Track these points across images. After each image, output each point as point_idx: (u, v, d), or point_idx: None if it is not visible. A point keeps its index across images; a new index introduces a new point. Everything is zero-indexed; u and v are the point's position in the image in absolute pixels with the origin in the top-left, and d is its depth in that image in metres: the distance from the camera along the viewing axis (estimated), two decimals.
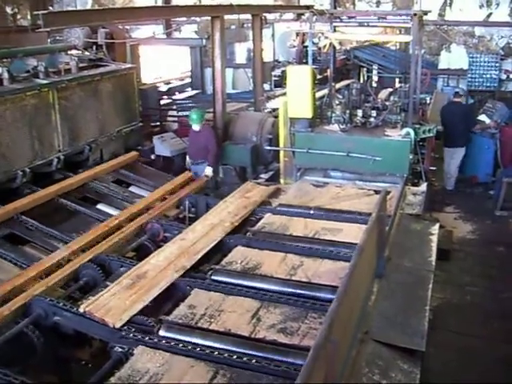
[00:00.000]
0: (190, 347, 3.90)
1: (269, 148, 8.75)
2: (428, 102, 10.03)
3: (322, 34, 11.89)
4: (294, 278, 4.81)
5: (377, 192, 6.55)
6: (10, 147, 6.49)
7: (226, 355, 3.79)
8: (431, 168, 9.00)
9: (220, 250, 5.56)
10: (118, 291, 4.73)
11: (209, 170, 8.25)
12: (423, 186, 7.20)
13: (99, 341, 4.49)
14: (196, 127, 8.36)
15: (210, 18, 9.07)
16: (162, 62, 16.04)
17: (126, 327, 4.19)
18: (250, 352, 3.82)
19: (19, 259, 5.47)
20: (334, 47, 9.49)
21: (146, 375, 3.66)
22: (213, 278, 4.86)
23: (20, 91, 6.67)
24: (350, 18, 9.27)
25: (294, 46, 16.62)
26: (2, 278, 5.16)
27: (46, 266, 5.29)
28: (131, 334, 4.09)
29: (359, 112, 8.29)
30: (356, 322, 4.05)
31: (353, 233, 5.54)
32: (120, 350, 3.99)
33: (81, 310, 4.47)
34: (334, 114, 8.22)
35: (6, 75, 6.75)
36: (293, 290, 4.58)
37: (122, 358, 3.92)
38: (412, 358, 3.95)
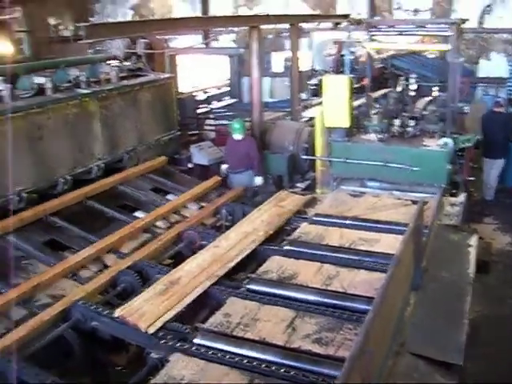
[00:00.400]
0: (225, 355, 3.93)
1: (305, 157, 8.75)
2: (466, 111, 9.87)
3: (359, 42, 11.86)
4: (329, 288, 4.80)
5: (414, 202, 6.49)
6: (51, 155, 6.66)
7: (260, 364, 3.81)
8: (470, 178, 8.85)
9: (255, 258, 5.59)
10: (151, 297, 4.81)
11: (259, 180, 8.28)
12: (461, 197, 7.09)
13: (136, 346, 4.57)
14: (238, 136, 8.40)
15: (247, 27, 9.14)
16: (199, 71, 16.20)
17: (162, 334, 4.25)
18: (285, 362, 3.83)
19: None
20: (371, 56, 9.44)
21: (182, 382, 3.70)
22: (248, 286, 4.88)
23: (62, 101, 6.84)
24: (388, 26, 9.21)
25: (331, 55, 16.59)
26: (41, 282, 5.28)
27: (71, 264, 5.50)
28: (167, 341, 4.14)
29: (397, 121, 8.22)
30: (392, 334, 4.01)
31: (389, 243, 5.49)
32: (156, 356, 4.04)
33: (115, 314, 4.56)
34: (371, 124, 8.18)
35: (49, 85, 6.92)
36: (328, 301, 4.57)
37: (158, 364, 3.97)
38: (449, 372, 3.88)
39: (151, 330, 4.34)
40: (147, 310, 4.60)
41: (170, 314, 4.56)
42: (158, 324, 4.40)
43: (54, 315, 4.72)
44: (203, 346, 4.07)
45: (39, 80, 7.03)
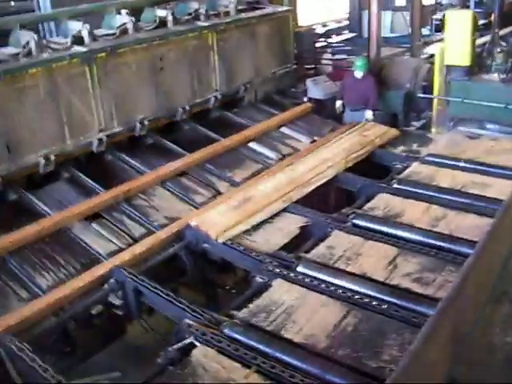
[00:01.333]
0: (325, 285, 4.11)
1: (422, 96, 8.47)
2: None
3: None
4: (435, 230, 4.78)
5: None
6: (172, 86, 6.95)
7: (358, 297, 3.94)
8: None
9: (363, 194, 5.64)
10: (225, 210, 5.25)
11: (370, 114, 8.18)
12: None
13: (242, 270, 4.87)
14: (359, 74, 8.28)
15: None
16: (319, 4, 15.88)
17: (267, 260, 4.49)
18: (383, 297, 3.94)
19: (175, 188, 5.98)
20: None
21: (282, 306, 3.94)
22: (354, 221, 4.98)
23: (182, 33, 7.05)
24: None
25: None
26: (160, 205, 5.72)
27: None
28: (272, 267, 4.37)
29: None
30: (494, 281, 3.96)
31: (503, 189, 5.31)
32: (260, 280, 4.30)
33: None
34: (494, 63, 7.72)
35: (170, 18, 7.15)
36: (433, 242, 4.58)
37: (262, 287, 4.22)
38: None
39: (220, 240, 4.79)
40: (219, 222, 5.04)
41: (239, 227, 4.97)
42: (227, 236, 4.84)
43: (170, 235, 5.12)
44: (305, 274, 4.26)
45: (161, 13, 7.27)
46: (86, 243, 5.08)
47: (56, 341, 4.36)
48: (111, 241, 5.17)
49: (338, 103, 8.57)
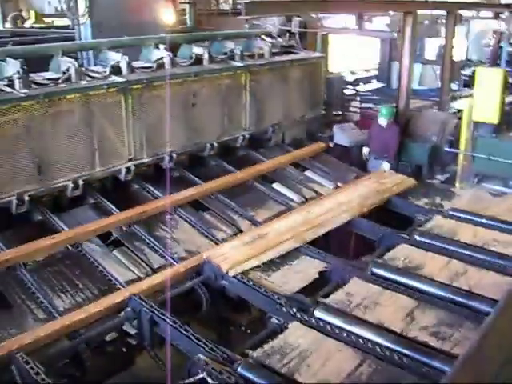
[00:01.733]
0: (341, 332, 4.08)
1: (448, 150, 8.51)
2: None
3: None
4: (454, 284, 4.75)
5: None
6: (202, 122, 7.08)
7: (374, 347, 3.91)
8: None
9: (383, 243, 5.64)
10: (238, 245, 5.35)
11: (387, 166, 8.24)
12: None
13: (258, 310, 4.86)
14: (383, 122, 8.38)
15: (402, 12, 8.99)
16: (350, 52, 16.12)
17: (284, 302, 4.48)
18: (399, 349, 3.90)
19: (197, 223, 6.02)
20: None
21: (297, 349, 3.91)
22: (373, 270, 4.97)
23: (217, 71, 7.22)
24: None
25: (490, 46, 15.73)
26: (181, 238, 5.76)
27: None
28: (289, 309, 4.36)
29: None
30: None
31: None
32: (276, 321, 4.29)
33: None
34: None
35: (206, 56, 7.33)
36: (452, 296, 4.53)
37: (277, 329, 4.21)
38: None
39: (231, 274, 4.85)
40: (231, 256, 5.13)
41: (251, 262, 5.06)
42: (239, 270, 4.91)
43: (188, 268, 5.17)
44: (322, 319, 4.24)
45: (197, 50, 7.46)
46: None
47: (67, 364, 4.36)
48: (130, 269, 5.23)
49: (365, 150, 8.65)
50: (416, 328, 4.15)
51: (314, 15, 10.10)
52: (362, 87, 13.38)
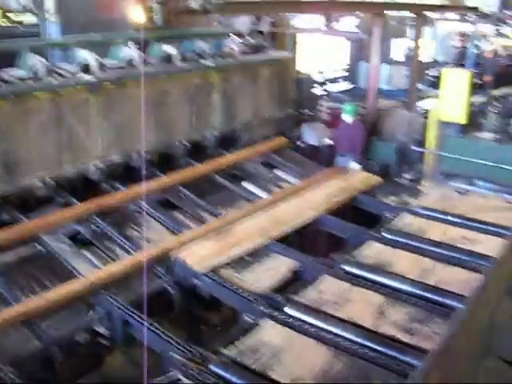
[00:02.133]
0: (312, 328, 4.12)
1: (416, 149, 8.64)
2: None
3: (485, 36, 11.38)
4: (423, 281, 4.83)
5: None
6: (172, 120, 7.06)
7: (345, 342, 3.96)
8: None
9: (352, 241, 5.70)
10: (205, 243, 5.42)
11: (356, 166, 8.33)
12: None
13: (230, 308, 4.87)
14: (348, 119, 8.47)
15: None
16: (318, 52, 16.20)
17: (255, 299, 4.50)
18: (369, 344, 3.96)
19: (170, 223, 5.99)
20: (497, 51, 9.09)
21: (269, 347, 3.94)
22: (343, 267, 5.02)
23: (187, 71, 7.21)
24: None
25: (455, 47, 16.00)
26: (153, 238, 5.73)
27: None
28: (260, 307, 4.38)
29: None
30: (481, 336, 4.01)
31: (491, 245, 5.40)
32: (248, 319, 4.30)
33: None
34: (488, 122, 7.94)
35: (176, 54, 7.30)
36: (421, 293, 4.62)
37: (250, 327, 4.22)
38: None
39: (201, 272, 4.91)
40: (197, 252, 5.22)
41: (217, 259, 5.14)
42: (208, 267, 4.98)
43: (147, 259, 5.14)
44: (293, 316, 4.28)
45: (168, 49, 7.42)
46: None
47: (38, 366, 4.30)
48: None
49: (327, 142, 8.71)
50: (386, 323, 4.22)
51: (282, 15, 10.10)
52: (333, 87, 13.42)
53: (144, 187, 6.05)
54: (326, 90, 12.51)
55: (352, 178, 7.30)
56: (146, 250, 5.29)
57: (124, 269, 5.02)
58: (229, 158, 7.51)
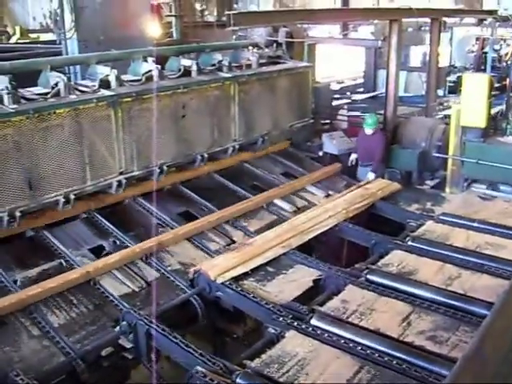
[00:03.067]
0: (338, 339, 4.08)
1: (437, 155, 8.57)
2: None
3: (504, 40, 11.28)
4: (449, 289, 4.78)
5: None
6: (192, 133, 7.09)
7: (372, 353, 3.91)
8: None
9: (377, 250, 5.66)
10: (225, 253, 5.46)
11: (372, 176, 8.29)
12: None
13: (254, 320, 4.85)
14: (369, 131, 8.43)
15: (387, 20, 9.06)
16: (336, 61, 16.22)
17: (280, 311, 4.47)
18: (396, 354, 3.91)
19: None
20: None
21: (295, 358, 3.91)
22: (368, 277, 4.98)
23: (205, 83, 7.24)
24: None
25: (473, 52, 15.91)
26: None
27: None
28: (285, 319, 4.35)
29: None
30: (510, 342, 3.93)
31: None
32: (273, 331, 4.27)
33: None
34: (509, 126, 7.85)
35: (194, 67, 7.36)
36: (447, 300, 4.56)
37: (274, 338, 4.20)
38: None
39: (219, 281, 4.90)
40: (219, 263, 5.21)
41: (238, 269, 5.12)
42: (227, 277, 4.95)
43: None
44: (318, 327, 4.24)
45: (185, 62, 7.48)
46: None
47: (64, 380, 4.32)
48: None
49: (353, 156, 8.69)
50: (413, 333, 4.17)
51: (299, 25, 10.13)
52: (356, 97, 13.37)
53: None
54: (351, 100, 12.49)
55: (371, 185, 7.30)
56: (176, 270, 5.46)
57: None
58: (280, 191, 7.37)
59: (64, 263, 5.33)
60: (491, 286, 4.77)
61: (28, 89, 6.09)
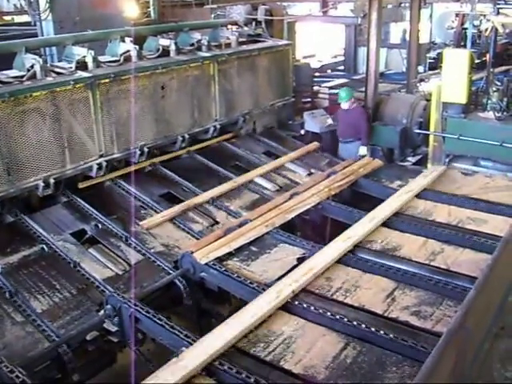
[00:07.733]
0: (324, 317, 4.08)
1: (419, 131, 8.57)
2: None
3: (484, 16, 11.27)
4: (432, 264, 4.80)
5: None
6: (172, 114, 7.01)
7: (357, 329, 3.91)
8: None
9: None
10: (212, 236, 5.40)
11: (363, 150, 8.26)
12: None
13: (239, 300, 4.84)
14: (344, 105, 8.40)
15: None
16: (315, 39, 16.14)
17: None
18: (382, 330, 3.90)
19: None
20: (496, 30, 8.99)
21: (281, 337, 3.91)
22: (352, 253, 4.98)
23: (185, 63, 7.15)
24: None
25: (453, 28, 15.92)
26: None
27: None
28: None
29: None
30: (493, 316, 3.97)
31: (498, 225, 5.38)
32: None
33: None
34: (489, 101, 7.87)
35: (173, 47, 7.26)
36: (430, 275, 4.58)
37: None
38: None
39: (203, 261, 4.90)
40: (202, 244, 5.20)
41: (223, 250, 5.10)
42: (211, 257, 4.96)
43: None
44: (304, 305, 4.24)
45: (164, 42, 7.37)
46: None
47: (49, 366, 4.29)
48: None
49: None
50: (397, 308, 4.18)
51: (279, 3, 10.05)
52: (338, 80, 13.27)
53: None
54: (326, 78, 12.43)
55: (352, 163, 7.29)
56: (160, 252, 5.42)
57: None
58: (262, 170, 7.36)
59: (46, 248, 5.27)
60: (474, 260, 4.80)
61: (3, 72, 5.97)
